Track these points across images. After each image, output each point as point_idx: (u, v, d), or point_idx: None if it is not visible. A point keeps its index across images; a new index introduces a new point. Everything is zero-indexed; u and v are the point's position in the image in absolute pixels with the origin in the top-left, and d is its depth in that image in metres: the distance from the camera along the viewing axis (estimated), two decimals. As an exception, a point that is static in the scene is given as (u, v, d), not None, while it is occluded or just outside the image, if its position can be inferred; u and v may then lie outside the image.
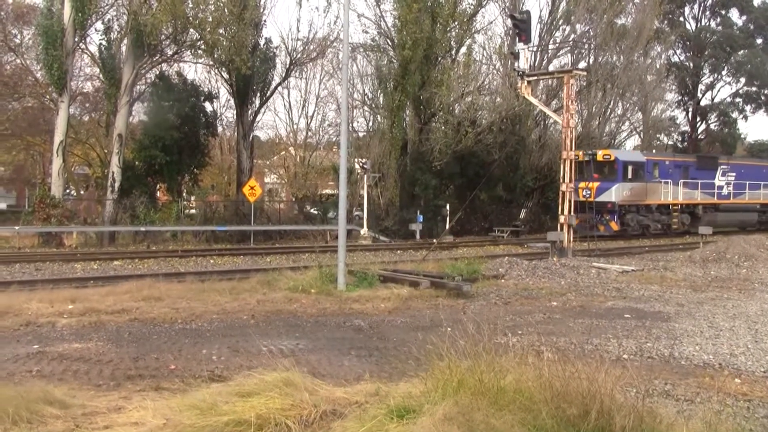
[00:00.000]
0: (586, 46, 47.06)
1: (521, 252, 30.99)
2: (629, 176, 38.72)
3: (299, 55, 41.43)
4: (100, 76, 39.89)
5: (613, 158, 38.95)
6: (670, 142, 65.41)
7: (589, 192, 37.64)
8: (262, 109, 42.98)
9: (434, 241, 30.06)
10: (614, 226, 38.43)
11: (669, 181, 40.62)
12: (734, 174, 45.55)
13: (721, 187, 44.60)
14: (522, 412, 6.63)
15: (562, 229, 27.46)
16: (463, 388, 7.12)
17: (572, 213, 27.49)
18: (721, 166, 44.95)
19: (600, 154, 39.02)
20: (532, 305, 17.02)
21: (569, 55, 48.02)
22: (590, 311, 16.29)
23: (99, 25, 36.83)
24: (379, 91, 42.59)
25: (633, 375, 7.95)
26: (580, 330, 13.40)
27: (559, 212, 27.69)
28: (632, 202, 39.04)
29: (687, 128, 66.63)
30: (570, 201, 27.42)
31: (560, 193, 27.79)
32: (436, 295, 17.74)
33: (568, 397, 6.64)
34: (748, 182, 45.91)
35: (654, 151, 44.84)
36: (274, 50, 40.42)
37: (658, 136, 60.20)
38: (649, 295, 18.85)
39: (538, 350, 9.39)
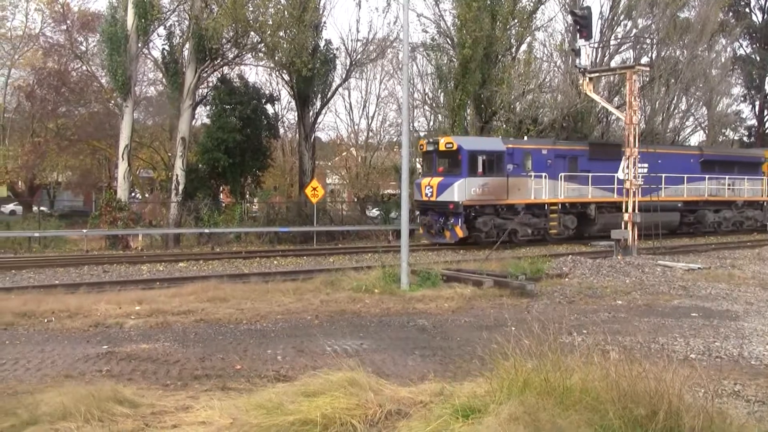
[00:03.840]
0: (649, 41, 46.21)
1: (585, 250, 30.64)
2: (480, 169, 31.98)
3: (359, 56, 41.65)
4: (163, 80, 40.66)
5: (455, 147, 32.08)
6: (736, 137, 64.03)
7: (431, 190, 32.59)
8: (323, 111, 43.26)
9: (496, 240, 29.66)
10: (459, 231, 31.67)
11: (544, 174, 33.67)
12: (646, 165, 36.30)
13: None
14: (588, 412, 6.59)
15: (626, 227, 27.10)
16: (528, 387, 7.10)
17: (636, 211, 27.06)
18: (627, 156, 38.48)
19: (442, 143, 32.65)
20: (596, 304, 16.86)
21: (631, 50, 47.31)
22: (656, 310, 16.08)
23: (161, 31, 37.65)
24: (440, 90, 42.52)
25: (701, 375, 7.79)
26: (646, 329, 13.22)
27: (623, 210, 27.33)
28: (486, 201, 32.00)
29: (754, 122, 65.15)
30: (635, 198, 27.03)
31: (624, 190, 27.44)
32: (499, 295, 17.66)
33: (635, 397, 6.58)
34: (665, 175, 37.44)
35: (526, 137, 37.30)
36: (334, 51, 40.64)
37: (723, 131, 58.98)
38: (716, 293, 18.50)
39: (603, 349, 9.29)
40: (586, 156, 35.68)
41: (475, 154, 32.02)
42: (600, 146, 37.62)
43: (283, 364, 10.80)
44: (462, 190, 31.31)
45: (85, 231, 33.39)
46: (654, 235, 29.97)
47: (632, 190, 27.05)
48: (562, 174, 34.25)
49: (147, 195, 50.94)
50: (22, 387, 9.35)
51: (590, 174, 35.02)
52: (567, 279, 20.94)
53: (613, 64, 42.95)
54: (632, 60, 43.67)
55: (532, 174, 33.29)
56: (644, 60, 44.23)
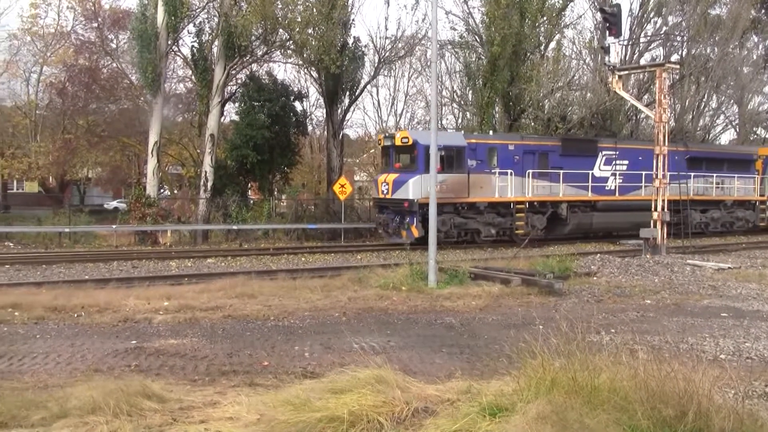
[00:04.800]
0: (679, 39, 45.86)
1: (613, 249, 30.44)
2: (438, 165, 29.58)
3: (388, 53, 41.58)
4: (193, 77, 40.87)
5: (411, 142, 30.33)
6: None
7: (386, 187, 30.99)
8: (352, 108, 43.32)
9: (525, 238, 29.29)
10: (415, 231, 29.65)
11: (510, 171, 31.57)
12: (627, 161, 35.78)
13: (603, 179, 35.03)
14: (617, 411, 6.55)
15: (655, 225, 26.90)
16: (556, 386, 7.07)
17: (666, 209, 26.84)
18: (604, 152, 35.28)
19: (398, 137, 31.06)
20: (625, 303, 16.76)
21: (661, 48, 46.99)
22: (685, 309, 15.96)
23: (191, 28, 37.85)
24: (468, 87, 42.49)
25: (731, 376, 7.74)
26: (675, 329, 13.16)
27: (652, 208, 27.13)
28: (445, 199, 29.43)
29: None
30: (664, 197, 26.83)
31: (654, 189, 27.25)
32: (527, 293, 17.62)
33: (664, 397, 6.54)
34: (645, 173, 34.59)
35: (492, 132, 35.41)
36: (363, 49, 40.64)
37: (755, 129, 58.33)
38: (746, 293, 18.31)
39: (632, 349, 9.24)
40: (558, 152, 33.52)
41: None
42: (574, 142, 35.77)
43: (311, 361, 10.85)
44: (417, 187, 29.20)
45: (114, 227, 33.69)
46: (684, 234, 29.61)
47: (661, 188, 26.79)
48: (530, 171, 32.43)
49: (176, 191, 51.26)
50: (52, 380, 9.48)
51: (562, 171, 33.17)
52: (595, 278, 20.83)
53: (642, 61, 42.70)
54: (662, 57, 43.39)
55: (496, 171, 31.47)
56: (674, 57, 43.97)
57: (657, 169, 26.89)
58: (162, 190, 42.64)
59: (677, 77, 44.07)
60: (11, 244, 31.67)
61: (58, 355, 11.19)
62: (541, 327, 9.79)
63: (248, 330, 13.38)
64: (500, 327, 13.58)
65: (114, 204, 60.84)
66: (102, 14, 48.54)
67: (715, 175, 38.87)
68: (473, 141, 31.50)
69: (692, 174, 37.11)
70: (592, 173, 34.42)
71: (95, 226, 35.49)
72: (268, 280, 19.59)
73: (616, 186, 35.39)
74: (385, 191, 30.87)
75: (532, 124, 41.24)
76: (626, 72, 30.98)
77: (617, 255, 26.26)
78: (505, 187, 31.48)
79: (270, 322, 14.19)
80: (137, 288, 18.17)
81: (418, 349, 11.67)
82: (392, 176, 30.73)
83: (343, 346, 11.68)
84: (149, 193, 34.44)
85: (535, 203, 32.94)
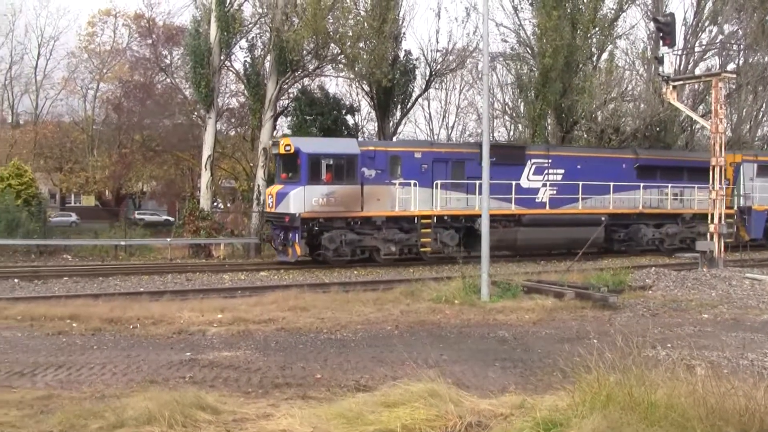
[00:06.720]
0: (735, 47, 45.10)
1: (669, 262, 29.97)
2: (324, 176, 27.11)
3: (439, 66, 41.58)
4: (245, 92, 41.23)
5: (293, 150, 27.27)
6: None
7: (271, 199, 28.37)
8: (403, 121, 43.32)
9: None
10: (298, 249, 26.93)
11: (414, 182, 28.28)
12: (562, 171, 32.27)
13: (531, 191, 31.44)
14: (674, 428, 6.45)
15: (712, 238, 26.44)
16: (611, 402, 6.99)
17: (723, 222, 26.34)
18: (533, 160, 31.75)
19: (281, 145, 27.86)
20: (681, 317, 16.50)
21: (717, 57, 46.21)
22: (744, 324, 15.65)
23: (243, 43, 38.10)
24: (520, 100, 42.27)
25: (794, 393, 7.57)
26: (734, 344, 12.90)
27: (709, 221, 26.68)
28: (333, 213, 27.13)
29: None
30: (720, 209, 26.34)
31: (710, 201, 26.80)
32: (581, 307, 17.45)
33: (724, 414, 6.41)
34: (582, 183, 31.91)
35: (396, 138, 32.57)
36: (414, 62, 40.61)
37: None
38: (809, 308, 17.91)
39: (689, 364, 9.10)
40: (476, 160, 27.85)
41: (317, 157, 27.14)
42: (495, 148, 28.62)
43: (363, 374, 10.84)
44: (299, 201, 26.60)
45: (169, 240, 34.06)
46: (741, 247, 28.85)
47: (717, 200, 26.33)
48: (439, 181, 29.13)
49: (229, 205, 51.76)
50: (109, 391, 9.63)
51: (479, 182, 27.80)
52: (650, 291, 20.55)
53: (697, 71, 42.00)
54: (718, 67, 42.58)
55: (397, 182, 28.34)
56: (731, 67, 43.13)
57: (713, 181, 26.43)
58: (215, 204, 43.06)
59: (734, 87, 43.29)
60: (69, 257, 32.25)
61: (114, 366, 11.35)
62: (595, 341, 9.67)
63: (301, 343, 13.44)
64: (554, 341, 13.46)
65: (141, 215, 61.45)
66: (156, 31, 49.41)
67: (670, 185, 34.88)
68: (371, 148, 28.69)
69: (642, 184, 34.00)
70: (518, 184, 30.76)
71: (150, 239, 36.01)
72: (320, 293, 19.66)
73: (547, 198, 31.87)
74: (271, 204, 28.41)
75: (585, 135, 40.89)
76: (681, 82, 30.54)
77: (673, 268, 25.83)
78: (408, 199, 28.36)
79: (323, 334, 14.23)
80: (191, 300, 18.36)
81: (471, 363, 11.62)
82: (276, 188, 28.38)
83: (396, 359, 11.65)
84: (203, 207, 34.79)
85: (446, 217, 29.57)
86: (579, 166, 32.34)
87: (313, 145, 28.69)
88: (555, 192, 31.99)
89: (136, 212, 62.33)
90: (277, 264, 28.35)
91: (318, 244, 27.58)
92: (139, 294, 19.70)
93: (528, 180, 31.44)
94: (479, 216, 27.18)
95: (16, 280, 23.24)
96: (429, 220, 28.93)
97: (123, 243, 33.47)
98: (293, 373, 11.01)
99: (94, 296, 19.00)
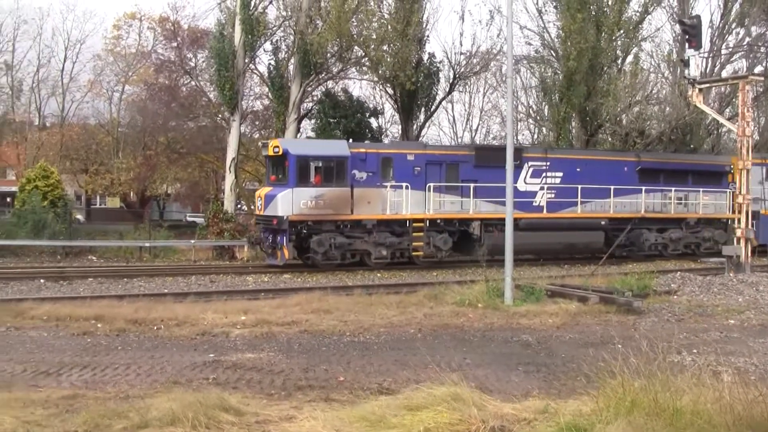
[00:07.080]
0: (763, 50, 44.69)
1: (694, 267, 29.68)
2: (313, 178, 26.83)
3: (462, 69, 41.49)
4: (269, 94, 41.29)
5: (281, 152, 27.10)
6: None
7: (260, 202, 28.35)
8: (427, 124, 43.22)
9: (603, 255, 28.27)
10: (286, 252, 26.65)
11: (406, 184, 27.92)
12: (560, 174, 31.54)
13: (528, 194, 30.67)
14: (700, 435, 6.39)
15: (738, 242, 26.21)
16: (636, 407, 6.94)
17: (750, 226, 26.08)
18: (531, 163, 30.99)
19: (270, 146, 27.80)
20: (707, 323, 16.36)
21: (744, 59, 45.85)
22: (772, 330, 15.50)
23: (267, 46, 38.21)
24: (544, 103, 42.16)
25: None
26: (762, 350, 12.78)
27: (736, 225, 26.45)
28: (322, 216, 26.86)
29: None
30: (747, 213, 26.11)
31: (736, 204, 26.58)
32: (605, 311, 17.36)
33: (751, 422, 6.34)
34: (581, 187, 31.10)
35: (388, 140, 32.01)
36: (438, 65, 40.56)
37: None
38: (838, 314, 17.70)
39: (715, 371, 9.02)
40: (471, 163, 29.27)
41: (306, 159, 26.85)
42: (490, 151, 30.74)
43: (386, 377, 10.84)
44: (287, 203, 26.35)
45: (193, 241, 34.23)
46: (751, 252, 28.10)
47: (744, 204, 26.11)
48: (432, 184, 28.59)
49: (253, 207, 51.94)
50: (133, 391, 9.69)
51: (474, 184, 28.96)
52: (675, 296, 20.39)
53: (724, 74, 41.68)
54: (745, 69, 42.27)
55: (388, 184, 27.92)
56: (758, 69, 42.77)
57: (740, 185, 26.22)
58: (239, 206, 43.20)
59: (761, 89, 42.90)
60: (94, 258, 32.50)
61: (138, 367, 11.42)
62: (619, 346, 9.60)
63: (324, 345, 13.46)
64: (578, 345, 13.39)
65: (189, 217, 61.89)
66: (181, 34, 49.65)
67: (674, 189, 33.91)
68: (362, 150, 28.31)
69: (643, 188, 33.08)
70: (515, 187, 27.88)
71: (174, 241, 36.14)
72: (343, 295, 19.71)
73: (544, 202, 31.11)
74: (260, 207, 28.29)
75: (610, 139, 40.66)
76: (707, 85, 30.32)
77: (698, 273, 25.61)
78: (400, 202, 27.95)
79: (346, 337, 14.24)
80: (215, 302, 18.46)
81: (494, 367, 11.58)
82: (265, 190, 28.28)
83: (419, 362, 11.63)
84: (227, 209, 34.92)
85: (438, 221, 29.13)
86: (578, 169, 31.70)
87: (301, 146, 29.08)
88: (553, 195, 31.30)
89: (188, 215, 63.22)
90: (299, 266, 28.29)
91: (307, 248, 27.31)
92: (164, 295, 19.76)
93: (525, 183, 30.75)
94: (474, 220, 29.37)
95: (42, 281, 23.44)
96: (421, 224, 28.56)
97: (147, 244, 33.68)
98: (316, 375, 11.03)
99: (119, 297, 19.16)
